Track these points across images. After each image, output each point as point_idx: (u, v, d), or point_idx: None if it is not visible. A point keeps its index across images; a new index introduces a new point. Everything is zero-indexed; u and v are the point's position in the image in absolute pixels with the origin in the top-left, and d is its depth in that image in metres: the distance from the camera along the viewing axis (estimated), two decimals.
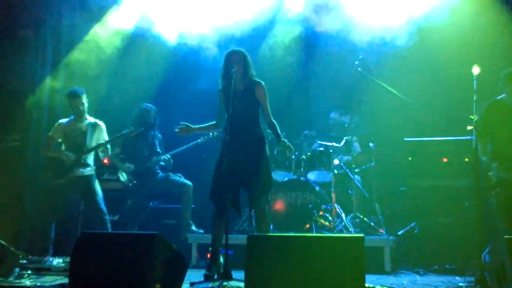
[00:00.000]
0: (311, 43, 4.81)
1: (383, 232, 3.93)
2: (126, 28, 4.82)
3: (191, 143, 4.39)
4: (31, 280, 2.90)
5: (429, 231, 3.80)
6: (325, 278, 2.27)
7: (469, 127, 3.00)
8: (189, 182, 4.36)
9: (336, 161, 4.20)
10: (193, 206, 4.35)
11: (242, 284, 2.42)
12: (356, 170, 4.35)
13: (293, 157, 4.28)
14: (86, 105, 3.95)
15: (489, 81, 3.22)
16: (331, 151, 4.25)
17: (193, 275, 3.02)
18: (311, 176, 4.37)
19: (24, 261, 3.26)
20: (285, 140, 3.14)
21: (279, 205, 4.11)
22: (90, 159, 3.93)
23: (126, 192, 4.42)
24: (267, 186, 3.14)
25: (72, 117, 4.00)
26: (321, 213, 4.09)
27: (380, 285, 2.79)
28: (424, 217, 3.87)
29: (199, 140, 4.38)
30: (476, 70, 2.95)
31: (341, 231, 3.96)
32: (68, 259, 3.05)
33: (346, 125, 4.35)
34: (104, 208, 3.85)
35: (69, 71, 4.79)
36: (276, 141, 3.20)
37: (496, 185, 3.10)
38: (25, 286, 2.72)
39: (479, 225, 2.95)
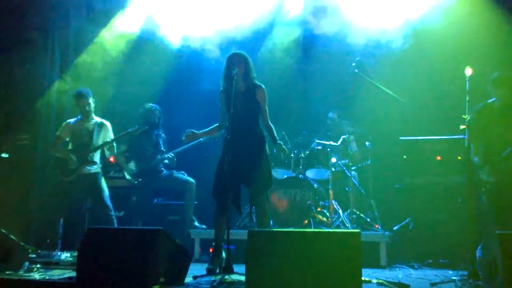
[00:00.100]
0: (309, 45, 4.80)
1: (379, 227, 3.93)
2: (131, 32, 4.83)
3: (193, 142, 4.39)
4: (40, 274, 2.90)
5: (423, 226, 3.80)
6: (323, 272, 2.27)
7: (461, 127, 3.00)
8: (192, 180, 4.36)
9: (333, 159, 4.20)
10: (195, 202, 4.35)
11: (243, 278, 2.42)
12: (353, 168, 4.35)
13: (292, 155, 4.30)
14: (92, 105, 3.95)
15: (481, 82, 3.22)
16: (328, 149, 4.26)
17: (196, 269, 3.02)
18: (310, 173, 4.37)
19: (33, 256, 3.27)
20: (281, 142, 3.14)
21: (278, 201, 4.11)
22: (97, 157, 3.94)
23: (131, 189, 4.42)
24: (267, 184, 3.14)
25: (79, 117, 4.00)
26: (319, 209, 4.09)
27: (376, 278, 2.79)
28: (418, 213, 3.86)
29: (201, 139, 4.38)
30: (468, 71, 2.95)
31: (338, 227, 3.96)
32: (75, 254, 3.05)
33: (344, 124, 4.36)
34: (110, 205, 3.85)
35: (77, 73, 4.80)
36: (272, 143, 3.20)
37: (487, 181, 3.10)
38: (34, 280, 2.72)
39: (471, 221, 2.96)
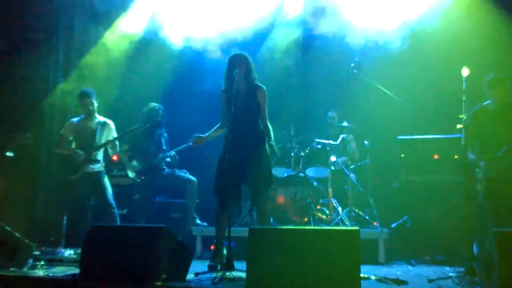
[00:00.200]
0: (309, 45, 4.79)
1: (377, 225, 3.92)
2: (134, 33, 4.82)
3: (191, 139, 4.38)
4: (44, 271, 2.90)
5: (421, 224, 3.79)
6: (322, 269, 2.27)
7: (458, 126, 3.00)
8: (193, 178, 4.36)
9: (333, 158, 4.20)
10: (197, 200, 4.34)
11: (244, 274, 2.42)
12: (352, 167, 4.35)
13: (292, 154, 4.30)
14: (95, 105, 3.95)
15: (478, 82, 3.21)
16: (328, 148, 4.25)
17: (198, 266, 3.02)
18: (309, 172, 4.36)
19: (38, 253, 3.26)
20: (273, 144, 3.13)
21: (279, 199, 4.11)
22: (100, 156, 3.94)
23: (134, 187, 4.41)
24: (268, 183, 3.14)
25: (82, 116, 4.00)
26: (318, 207, 4.08)
27: (375, 275, 2.78)
28: (416, 211, 3.86)
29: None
30: (465, 71, 2.94)
31: (337, 224, 3.95)
32: (79, 251, 3.04)
33: (344, 124, 4.35)
34: (113, 203, 3.85)
35: (81, 74, 4.80)
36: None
37: (483, 179, 3.10)
38: (38, 276, 2.71)
39: (468, 218, 2.95)
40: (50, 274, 2.76)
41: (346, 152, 4.36)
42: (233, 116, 2.97)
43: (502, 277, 2.16)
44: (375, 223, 3.95)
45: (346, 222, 3.95)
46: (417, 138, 3.99)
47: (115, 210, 3.84)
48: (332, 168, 4.18)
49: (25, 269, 2.88)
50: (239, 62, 3.13)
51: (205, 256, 3.80)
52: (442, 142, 3.87)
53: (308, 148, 4.33)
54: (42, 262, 3.06)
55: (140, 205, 4.37)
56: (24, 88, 4.76)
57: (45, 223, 4.32)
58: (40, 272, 2.83)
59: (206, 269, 2.93)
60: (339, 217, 4.01)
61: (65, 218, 3.88)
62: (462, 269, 2.81)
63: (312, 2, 4.56)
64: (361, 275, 2.35)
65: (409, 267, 3.36)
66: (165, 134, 4.55)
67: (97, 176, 3.85)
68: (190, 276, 2.71)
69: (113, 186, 3.96)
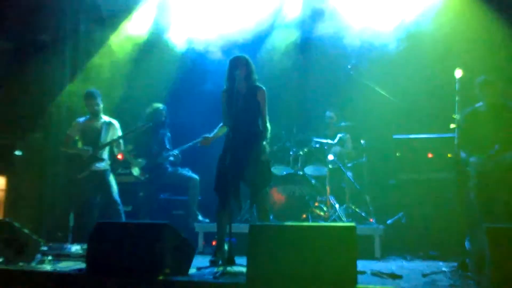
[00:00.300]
0: (307, 47, 4.79)
1: (373, 221, 3.93)
2: (139, 35, 4.82)
3: (197, 140, 4.39)
4: (51, 265, 2.91)
5: (415, 220, 3.80)
6: (320, 264, 2.27)
7: (451, 126, 3.00)
8: (195, 176, 4.36)
9: (330, 157, 4.20)
10: (199, 197, 4.35)
11: (244, 269, 2.42)
12: (349, 165, 4.36)
13: (291, 153, 4.30)
14: (101, 105, 3.95)
15: (470, 83, 3.22)
16: (326, 147, 4.25)
17: (200, 261, 3.02)
18: (308, 170, 4.36)
19: (45, 248, 3.27)
20: (265, 142, 3.10)
21: (278, 196, 4.11)
22: (106, 154, 3.95)
23: (138, 185, 4.42)
24: (267, 180, 3.14)
25: (88, 116, 4.00)
26: (316, 204, 4.09)
27: (371, 269, 2.79)
28: (410, 208, 3.86)
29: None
30: (458, 73, 2.94)
31: (334, 221, 3.95)
32: (85, 246, 3.05)
33: (341, 124, 4.36)
34: (119, 200, 3.86)
35: (86, 75, 4.81)
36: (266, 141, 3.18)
37: (475, 177, 3.11)
38: (46, 271, 2.72)
39: (460, 215, 2.96)
40: (57, 269, 2.77)
41: (343, 151, 4.37)
42: (234, 115, 2.97)
43: (493, 272, 2.17)
44: (371, 220, 3.96)
45: (343, 219, 3.95)
46: (412, 137, 3.99)
47: (121, 207, 3.85)
48: (330, 166, 4.18)
49: (33, 264, 2.89)
50: (240, 63, 3.13)
51: (207, 252, 3.81)
52: (436, 141, 3.88)
53: (307, 147, 4.34)
54: (49, 257, 3.07)
55: (145, 202, 4.38)
56: (32, 89, 4.77)
57: (52, 220, 4.33)
58: (47, 267, 2.83)
59: (208, 264, 2.94)
60: (337, 213, 4.01)
61: (72, 214, 3.89)
62: (455, 264, 2.81)
63: (311, 5, 4.55)
64: (358, 270, 2.35)
65: (404, 262, 3.36)
66: (168, 133, 4.56)
67: (103, 174, 3.86)
68: (192, 270, 2.72)
69: (118, 183, 3.97)
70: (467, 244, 2.76)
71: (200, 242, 4.01)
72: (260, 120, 3.19)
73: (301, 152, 4.29)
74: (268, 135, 3.18)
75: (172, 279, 2.44)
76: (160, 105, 4.48)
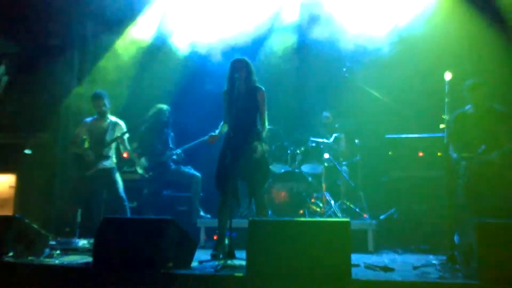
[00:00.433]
0: (304, 49, 4.79)
1: (367, 217, 3.93)
2: (143, 39, 4.82)
3: (199, 139, 4.39)
4: (59, 259, 2.90)
5: (407, 216, 3.80)
6: (316, 257, 2.28)
7: (441, 126, 3.00)
8: (197, 173, 4.36)
9: (326, 155, 4.20)
10: (201, 194, 4.35)
11: (244, 262, 2.42)
12: (344, 163, 4.36)
13: (288, 151, 4.30)
14: (107, 106, 3.94)
15: (459, 85, 3.22)
16: (322, 146, 4.25)
17: (202, 254, 3.02)
18: (305, 168, 4.36)
19: (53, 243, 3.27)
20: (256, 143, 3.05)
21: (276, 193, 4.11)
22: (112, 153, 3.94)
23: (143, 182, 4.42)
24: (265, 176, 3.15)
25: (95, 116, 4.00)
26: (313, 200, 4.09)
27: (364, 263, 2.79)
28: (402, 204, 3.86)
29: (206, 137, 4.36)
30: (448, 75, 2.95)
31: (330, 216, 3.95)
32: (92, 241, 3.05)
33: (336, 125, 4.37)
34: (124, 196, 3.85)
35: (93, 77, 4.80)
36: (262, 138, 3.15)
37: (463, 175, 3.11)
38: (54, 264, 2.72)
39: (449, 210, 2.96)
40: (65, 263, 2.76)
41: (338, 149, 4.37)
42: (234, 115, 2.97)
43: (480, 264, 2.17)
44: (364, 215, 3.96)
45: (338, 214, 3.95)
46: (404, 137, 3.99)
47: (126, 203, 3.84)
48: (326, 164, 4.19)
49: (42, 258, 2.89)
50: (240, 65, 3.13)
51: (208, 246, 3.80)
52: (427, 141, 3.88)
53: (304, 146, 4.33)
54: (57, 251, 3.06)
55: (149, 199, 4.38)
56: (41, 91, 4.76)
57: (60, 215, 4.32)
58: (56, 261, 2.83)
59: (209, 258, 2.94)
60: (332, 209, 4.01)
61: (79, 210, 3.89)
62: (444, 257, 2.81)
63: (308, 10, 4.55)
64: (352, 263, 2.35)
65: (396, 256, 3.36)
66: (171, 133, 4.56)
67: (110, 172, 3.85)
68: (194, 264, 2.72)
69: (124, 181, 3.96)
70: (456, 238, 2.76)
71: (202, 236, 4.01)
72: (259, 120, 3.18)
73: (298, 151, 4.29)
74: (263, 134, 3.16)
75: (175, 272, 2.44)
76: (163, 106, 4.48)
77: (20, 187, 4.42)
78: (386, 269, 2.60)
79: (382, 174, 4.14)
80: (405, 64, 4.27)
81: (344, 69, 4.23)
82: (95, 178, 3.81)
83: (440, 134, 3.31)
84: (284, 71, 4.72)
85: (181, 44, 4.74)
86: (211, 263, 2.76)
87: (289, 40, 4.72)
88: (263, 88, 3.18)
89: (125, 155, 4.20)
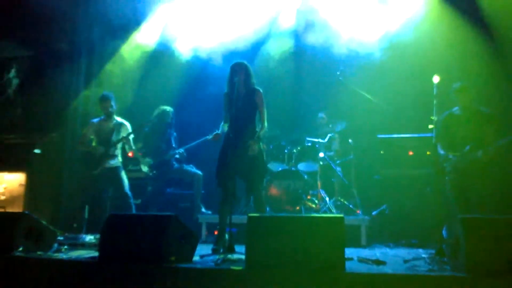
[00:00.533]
0: (300, 54, 4.79)
1: (360, 212, 3.93)
2: (147, 44, 4.81)
3: (201, 139, 4.38)
4: (67, 254, 2.88)
5: (398, 211, 3.81)
6: (311, 251, 2.27)
7: (430, 126, 3.01)
8: (199, 172, 4.35)
9: (321, 154, 4.20)
10: (202, 191, 4.34)
11: (243, 256, 2.41)
12: (338, 162, 4.36)
13: (285, 151, 4.30)
14: (114, 107, 3.93)
15: (447, 87, 3.22)
16: (317, 146, 4.25)
17: (203, 249, 3.01)
18: (301, 166, 4.36)
19: (61, 238, 3.25)
20: (253, 142, 3.03)
21: (274, 190, 4.10)
22: (118, 152, 3.92)
23: (147, 180, 4.41)
24: (263, 174, 3.15)
25: (102, 117, 3.98)
26: (309, 197, 4.08)
27: (357, 256, 2.79)
28: (393, 200, 3.87)
29: (208, 137, 4.36)
30: (436, 79, 2.96)
31: (325, 212, 3.96)
32: (98, 236, 3.03)
33: (330, 126, 4.37)
34: (129, 193, 3.84)
35: (100, 80, 4.78)
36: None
37: (450, 172, 3.12)
38: (62, 259, 2.70)
39: (438, 206, 2.96)
40: (72, 257, 2.75)
41: (332, 149, 4.37)
42: (234, 116, 2.97)
43: (466, 257, 2.18)
44: (358, 211, 3.96)
45: (332, 210, 3.95)
46: (394, 137, 4.00)
47: (131, 200, 3.83)
48: (321, 163, 4.18)
49: (50, 253, 2.87)
50: (240, 69, 3.13)
51: (209, 241, 3.79)
52: (416, 140, 3.88)
53: (300, 145, 4.33)
54: (65, 247, 3.05)
55: (153, 196, 4.37)
56: (50, 93, 4.75)
57: (68, 212, 4.30)
58: (63, 255, 2.81)
59: (210, 252, 2.93)
60: (327, 206, 4.01)
61: (86, 207, 3.87)
62: (433, 251, 2.82)
63: (303, 16, 4.55)
64: (346, 256, 2.35)
65: (388, 250, 3.36)
66: (174, 133, 4.55)
67: (115, 170, 3.84)
68: (196, 258, 2.71)
69: (129, 179, 3.95)
70: (444, 232, 2.76)
71: (203, 232, 4.01)
72: (258, 120, 3.17)
73: (294, 150, 4.28)
74: (261, 132, 3.14)
75: (177, 266, 2.43)
76: (167, 108, 4.47)
77: (30, 185, 4.40)
78: (378, 262, 2.60)
79: (374, 172, 4.14)
80: (396, 68, 4.28)
81: (338, 73, 4.24)
82: (102, 176, 3.79)
83: (429, 134, 3.32)
84: (281, 74, 4.72)
85: (184, 48, 4.74)
86: (212, 257, 2.75)
87: (286, 44, 4.72)
88: (261, 90, 3.18)
89: (130, 154, 4.19)
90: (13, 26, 4.63)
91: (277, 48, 4.72)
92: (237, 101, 3.04)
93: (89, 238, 3.34)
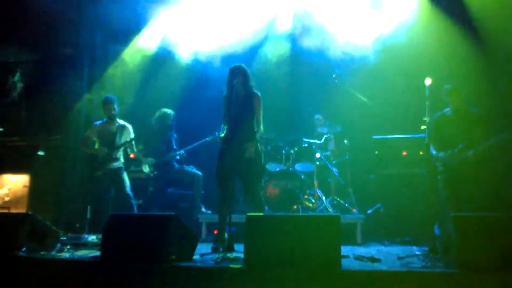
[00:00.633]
0: (297, 57, 4.79)
1: (356, 211, 3.93)
2: (148, 48, 4.82)
3: (201, 141, 4.38)
4: (69, 254, 2.87)
5: (392, 210, 3.80)
6: (308, 249, 2.28)
7: (422, 127, 3.02)
8: (199, 172, 4.35)
9: (317, 155, 4.20)
10: (202, 191, 4.33)
11: (242, 255, 2.41)
12: (334, 162, 4.37)
13: (283, 151, 4.30)
14: (117, 110, 3.93)
15: (438, 89, 3.23)
16: (314, 146, 4.25)
17: (203, 248, 3.01)
18: (298, 167, 4.35)
19: (64, 238, 3.23)
20: (250, 143, 3.04)
21: (272, 190, 4.10)
22: (120, 154, 3.92)
23: (148, 181, 4.40)
24: (261, 174, 3.16)
25: (105, 119, 3.97)
26: (306, 196, 4.08)
27: (353, 254, 2.79)
28: (388, 199, 3.86)
29: (207, 138, 4.36)
30: (428, 81, 2.97)
31: (322, 211, 3.95)
32: (100, 236, 3.01)
33: (326, 127, 4.37)
34: (131, 194, 3.83)
35: (102, 84, 4.78)
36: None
37: (442, 172, 3.13)
38: (65, 258, 2.69)
39: (430, 204, 2.97)
40: (75, 257, 2.74)
41: (328, 149, 4.37)
42: (232, 118, 2.96)
43: (458, 254, 2.18)
44: (353, 210, 3.96)
45: (329, 209, 3.95)
46: (389, 137, 4.01)
47: (133, 201, 3.82)
48: (317, 163, 4.18)
49: (53, 253, 2.86)
50: (238, 72, 3.13)
51: (209, 240, 3.79)
52: (409, 141, 3.89)
53: (297, 146, 4.33)
54: (68, 246, 3.03)
55: (154, 196, 4.36)
56: (54, 97, 4.74)
57: (71, 213, 4.29)
58: (66, 255, 2.80)
59: (210, 251, 2.93)
60: (323, 205, 4.01)
61: (89, 208, 3.85)
62: (426, 248, 2.82)
63: (300, 20, 4.57)
64: (342, 254, 2.35)
65: (382, 247, 3.36)
66: (175, 135, 4.55)
67: (118, 171, 3.83)
68: (196, 256, 2.70)
69: (130, 179, 3.94)
70: (436, 230, 2.77)
71: (203, 231, 4.00)
72: (255, 122, 3.17)
73: (292, 151, 4.28)
74: (258, 135, 3.14)
75: (178, 265, 2.43)
76: (168, 110, 4.47)
77: (34, 187, 4.38)
78: (373, 259, 2.60)
79: (369, 172, 4.14)
80: (389, 70, 4.29)
81: (333, 75, 4.26)
82: (104, 177, 3.79)
83: (421, 135, 3.33)
84: (278, 77, 4.73)
85: (184, 52, 4.75)
86: (211, 256, 2.74)
87: (283, 48, 4.73)
88: (259, 94, 3.18)
89: (132, 156, 4.19)
90: (18, 31, 4.62)
91: (274, 51, 4.73)
92: (236, 103, 3.04)
93: (92, 238, 3.33)
